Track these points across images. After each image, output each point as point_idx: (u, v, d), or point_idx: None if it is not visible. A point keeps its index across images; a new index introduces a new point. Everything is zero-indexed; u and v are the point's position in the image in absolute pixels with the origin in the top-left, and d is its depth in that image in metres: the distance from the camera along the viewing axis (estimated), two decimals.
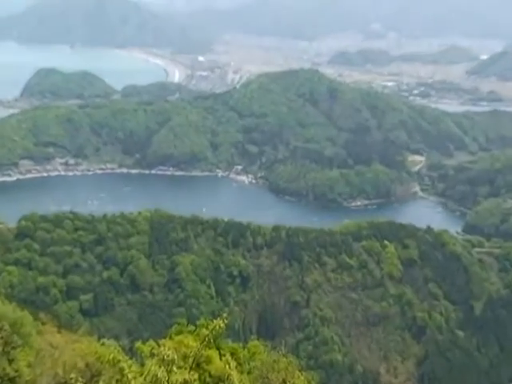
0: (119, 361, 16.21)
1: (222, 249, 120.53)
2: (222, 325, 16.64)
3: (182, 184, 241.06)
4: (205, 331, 16.98)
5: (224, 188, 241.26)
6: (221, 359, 18.47)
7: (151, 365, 15.37)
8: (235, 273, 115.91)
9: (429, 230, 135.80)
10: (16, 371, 18.98)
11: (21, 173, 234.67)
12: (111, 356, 16.36)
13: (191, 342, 17.60)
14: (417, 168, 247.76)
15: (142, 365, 17.21)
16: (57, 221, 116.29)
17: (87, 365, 18.07)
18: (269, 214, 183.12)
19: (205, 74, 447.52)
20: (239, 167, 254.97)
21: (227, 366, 17.07)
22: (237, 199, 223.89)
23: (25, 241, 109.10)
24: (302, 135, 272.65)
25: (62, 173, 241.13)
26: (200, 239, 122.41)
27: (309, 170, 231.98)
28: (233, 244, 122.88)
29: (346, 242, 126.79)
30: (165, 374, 14.85)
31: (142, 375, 15.55)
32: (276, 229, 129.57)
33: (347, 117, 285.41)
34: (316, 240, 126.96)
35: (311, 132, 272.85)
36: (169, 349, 15.63)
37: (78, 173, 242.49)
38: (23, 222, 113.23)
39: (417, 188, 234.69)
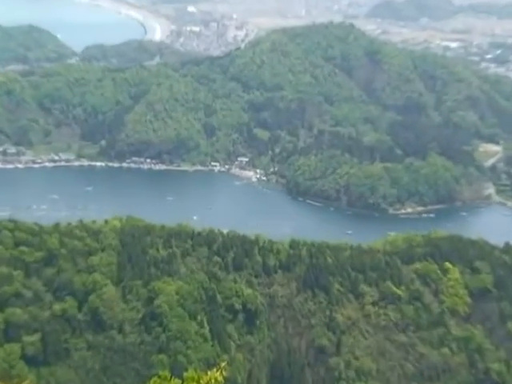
0: None
1: (219, 272, 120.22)
2: (219, 378, 16.48)
3: (164, 182, 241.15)
4: None
5: (223, 188, 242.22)
6: None
7: None
8: (238, 306, 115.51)
9: (508, 248, 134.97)
10: None
11: None
12: None
13: None
14: (491, 162, 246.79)
15: None
16: None
17: None
18: (285, 225, 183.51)
19: (196, 29, 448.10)
20: (244, 159, 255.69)
21: None
22: (240, 203, 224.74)
23: None
24: (332, 115, 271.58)
25: None
26: (189, 259, 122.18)
27: (340, 164, 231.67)
28: (235, 266, 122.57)
29: (393, 265, 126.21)
30: None
31: None
32: (295, 245, 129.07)
33: (394, 90, 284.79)
34: (350, 261, 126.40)
35: (344, 111, 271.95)
36: None
37: (19, 165, 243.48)
38: None
39: (491, 189, 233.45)
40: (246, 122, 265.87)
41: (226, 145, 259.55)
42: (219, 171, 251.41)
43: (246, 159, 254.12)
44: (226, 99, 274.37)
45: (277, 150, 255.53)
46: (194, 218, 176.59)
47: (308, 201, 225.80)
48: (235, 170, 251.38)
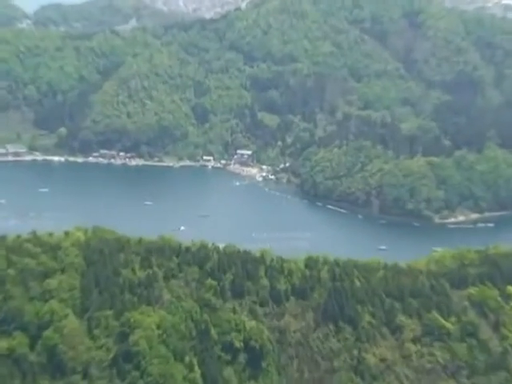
0: None
1: (214, 300, 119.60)
2: None
3: (142, 182, 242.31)
4: None
5: (218, 190, 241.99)
6: None
7: None
8: (238, 343, 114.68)
9: None
10: None
11: None
12: None
13: None
14: None
15: None
16: None
17: None
18: (299, 237, 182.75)
19: None
20: (246, 153, 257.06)
21: None
22: (241, 210, 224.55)
23: None
24: (360, 95, 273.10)
25: None
26: (175, 282, 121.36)
27: (371, 158, 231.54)
28: (234, 291, 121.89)
29: (439, 289, 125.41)
30: None
31: None
32: (312, 264, 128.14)
33: (441, 62, 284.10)
34: (385, 285, 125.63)
35: (375, 89, 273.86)
36: None
37: None
38: None
39: None
40: (248, 104, 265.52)
41: (223, 134, 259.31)
42: (213, 168, 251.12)
43: (249, 152, 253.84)
44: (222, 74, 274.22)
45: (288, 141, 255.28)
46: (181, 228, 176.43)
47: (329, 206, 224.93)
48: (234, 167, 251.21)
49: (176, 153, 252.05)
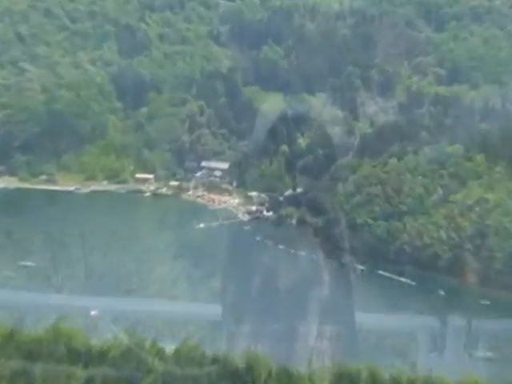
0: None
1: None
2: None
3: (15, 223, 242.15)
4: None
5: (163, 238, 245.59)
6: None
7: None
8: None
9: None
10: None
11: None
12: None
13: None
14: None
15: None
16: None
17: None
18: (322, 331, 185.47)
19: None
20: (218, 167, 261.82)
21: None
22: (207, 279, 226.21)
23: None
24: (441, 54, 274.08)
25: None
26: None
27: (463, 180, 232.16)
28: None
29: None
30: None
31: None
32: (344, 381, 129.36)
33: None
34: None
35: (470, 44, 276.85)
36: None
37: None
38: None
39: None
40: (223, 72, 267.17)
41: (173, 128, 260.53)
42: (155, 195, 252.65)
43: (224, 166, 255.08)
44: (172, 13, 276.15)
45: (301, 143, 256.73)
46: (92, 313, 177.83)
47: (380, 272, 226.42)
48: (196, 193, 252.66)
49: (81, 166, 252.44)
